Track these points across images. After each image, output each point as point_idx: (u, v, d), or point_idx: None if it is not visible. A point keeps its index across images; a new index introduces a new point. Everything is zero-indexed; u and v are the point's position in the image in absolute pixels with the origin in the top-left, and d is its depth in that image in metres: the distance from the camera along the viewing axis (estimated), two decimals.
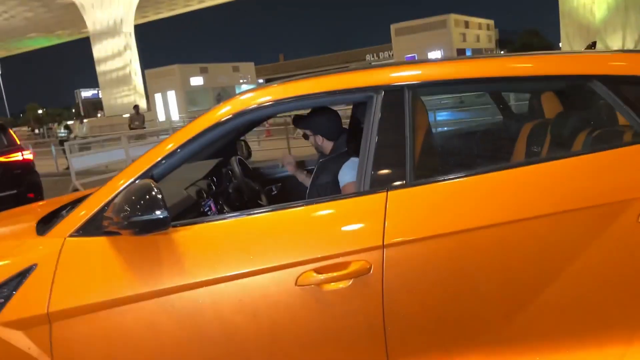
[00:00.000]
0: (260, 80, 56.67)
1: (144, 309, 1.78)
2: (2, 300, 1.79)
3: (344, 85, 2.02)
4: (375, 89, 1.98)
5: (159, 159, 1.94)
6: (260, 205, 3.14)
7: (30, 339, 1.78)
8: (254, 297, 1.77)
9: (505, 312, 1.80)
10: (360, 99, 2.07)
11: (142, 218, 1.70)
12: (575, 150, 2.12)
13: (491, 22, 46.69)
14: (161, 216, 1.71)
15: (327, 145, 2.95)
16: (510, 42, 59.69)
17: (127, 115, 34.49)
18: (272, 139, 14.87)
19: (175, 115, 37.47)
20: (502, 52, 55.62)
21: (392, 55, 42.31)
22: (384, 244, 1.76)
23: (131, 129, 16.78)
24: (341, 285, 1.76)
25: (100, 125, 31.77)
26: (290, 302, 1.77)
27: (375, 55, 51.37)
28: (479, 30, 43.07)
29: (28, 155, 7.25)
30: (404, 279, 1.77)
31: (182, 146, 1.95)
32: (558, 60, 2.05)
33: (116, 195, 1.89)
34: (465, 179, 1.86)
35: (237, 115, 1.97)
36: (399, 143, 1.90)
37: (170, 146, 1.96)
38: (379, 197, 1.83)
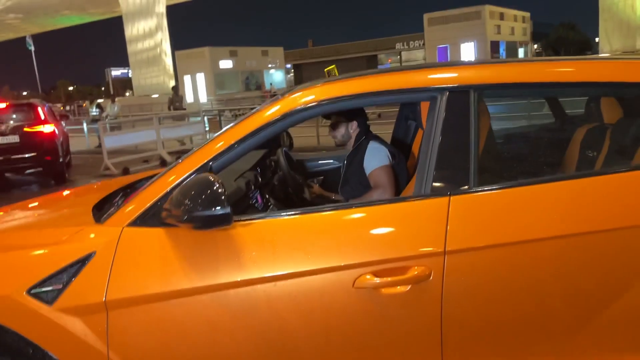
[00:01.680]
0: (288, 65, 56.56)
1: (200, 303, 1.78)
2: (61, 286, 1.81)
3: (408, 84, 1.97)
4: (440, 89, 1.93)
5: (219, 152, 1.93)
6: (303, 198, 3.13)
7: (87, 326, 1.80)
8: (309, 296, 1.76)
9: (567, 326, 1.75)
10: (423, 98, 2.03)
11: (204, 213, 1.69)
12: (638, 159, 2.05)
13: (527, 14, 45.63)
14: (223, 212, 1.69)
15: (354, 135, 3.00)
16: (545, 35, 58.39)
17: (156, 95, 34.89)
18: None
19: (203, 98, 37.72)
20: (535, 45, 54.45)
21: (424, 45, 41.75)
22: (446, 250, 1.73)
23: (171, 109, 16.82)
24: (399, 289, 1.74)
25: (130, 105, 32.13)
26: (347, 304, 1.75)
27: (405, 44, 50.71)
28: (514, 22, 42.13)
29: (49, 128, 9.81)
30: (464, 287, 1.74)
31: (241, 140, 1.93)
32: (636, 67, 1.97)
33: (175, 187, 1.88)
34: (530, 186, 1.81)
35: (289, 114, 1.94)
36: (463, 146, 1.86)
37: (229, 139, 1.95)
38: (441, 201, 1.79)
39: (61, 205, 2.57)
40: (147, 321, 1.79)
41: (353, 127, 3.03)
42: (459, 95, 1.91)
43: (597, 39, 31.91)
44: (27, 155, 9.58)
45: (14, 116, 9.89)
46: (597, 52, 30.44)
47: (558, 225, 1.73)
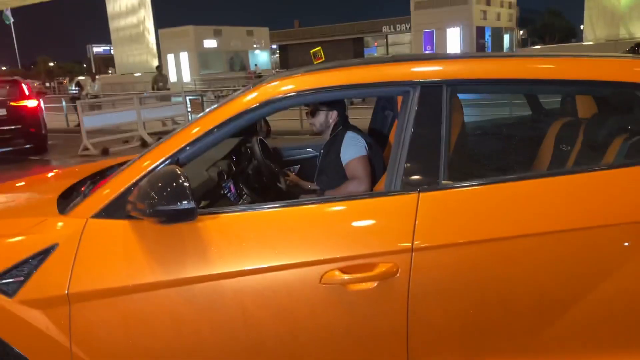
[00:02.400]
0: (274, 46, 55.95)
1: (165, 297, 1.76)
2: (22, 278, 1.77)
3: (383, 78, 1.94)
4: (413, 83, 1.91)
5: (186, 144, 1.89)
6: (278, 187, 3.10)
7: (49, 319, 1.77)
8: (276, 292, 1.74)
9: (531, 325, 1.76)
10: (397, 92, 2.01)
11: (168, 207, 1.66)
12: (610, 156, 2.05)
13: (513, 0, 45.60)
14: (188, 206, 1.67)
15: (333, 122, 2.98)
16: (532, 21, 58.48)
17: (139, 74, 34.36)
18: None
19: (186, 77, 37.21)
20: (521, 32, 54.49)
21: (410, 28, 41.55)
22: (413, 247, 1.72)
23: (155, 89, 16.61)
24: (366, 286, 1.73)
25: (111, 83, 31.59)
26: (313, 300, 1.74)
27: (392, 27, 50.39)
28: (501, 8, 42.02)
29: (33, 102, 11.03)
30: (431, 284, 1.74)
31: (208, 132, 1.90)
32: (611, 66, 1.96)
33: (141, 178, 1.85)
34: (500, 184, 1.81)
35: (265, 103, 1.91)
36: (434, 142, 1.84)
37: (197, 130, 1.91)
38: (410, 198, 1.78)
39: (26, 193, 2.51)
40: (111, 315, 1.77)
41: (333, 117, 3.00)
42: (431, 90, 1.89)
43: (582, 27, 32.06)
44: (13, 127, 10.64)
45: (1, 91, 10.84)
46: (581, 40, 30.61)
47: (526, 224, 1.73)
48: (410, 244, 1.72)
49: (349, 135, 2.88)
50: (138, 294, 1.76)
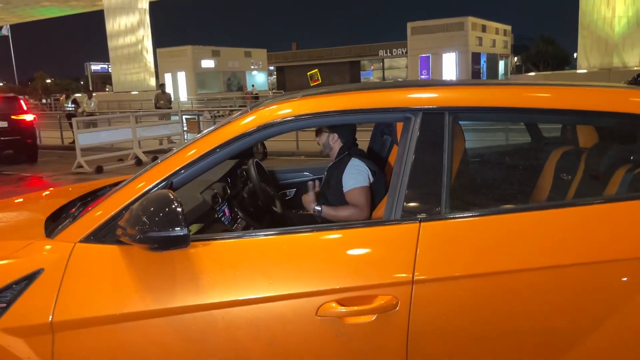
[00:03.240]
0: (271, 67, 56.34)
1: (154, 327, 1.68)
2: (5, 305, 1.69)
3: (383, 104, 1.90)
4: (414, 110, 1.87)
5: (181, 166, 1.83)
6: (273, 211, 3.04)
7: (32, 348, 1.68)
8: (270, 324, 1.67)
9: None
10: (397, 119, 1.96)
11: (160, 234, 1.60)
12: (612, 188, 2.01)
13: (508, 27, 46.18)
14: (181, 233, 1.60)
15: (336, 147, 2.91)
16: (525, 48, 59.23)
17: (135, 92, 34.42)
18: None
19: (183, 96, 37.34)
20: (515, 58, 55.17)
21: (406, 53, 42.00)
22: (414, 279, 1.65)
23: (157, 107, 16.62)
24: (364, 319, 1.66)
25: (108, 101, 31.61)
26: (309, 333, 1.67)
27: (388, 51, 50.90)
28: (496, 35, 42.63)
29: (30, 117, 12.86)
30: (432, 318, 1.67)
31: (205, 155, 1.84)
32: (612, 96, 1.93)
33: (133, 202, 1.78)
34: (503, 215, 1.76)
35: (263, 127, 1.87)
36: (436, 170, 1.79)
37: (192, 152, 1.86)
38: (411, 227, 1.72)
39: (13, 213, 2.43)
40: (96, 345, 1.69)
41: (333, 139, 2.93)
42: (433, 117, 1.85)
43: (575, 55, 32.46)
44: (13, 138, 12.37)
45: (2, 106, 12.49)
46: (575, 68, 30.98)
47: (530, 257, 1.68)
48: (410, 276, 1.65)
49: (353, 163, 2.79)
50: (126, 323, 1.68)
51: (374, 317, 1.66)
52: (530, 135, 2.87)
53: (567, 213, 1.77)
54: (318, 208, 2.76)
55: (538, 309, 1.68)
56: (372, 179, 2.75)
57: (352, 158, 2.82)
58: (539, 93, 1.93)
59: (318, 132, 3.00)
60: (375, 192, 2.75)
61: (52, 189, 3.06)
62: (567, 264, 1.67)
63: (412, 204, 1.78)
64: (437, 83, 2.04)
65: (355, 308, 1.65)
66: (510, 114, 1.94)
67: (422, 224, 1.73)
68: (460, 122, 2.04)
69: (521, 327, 1.69)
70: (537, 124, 2.94)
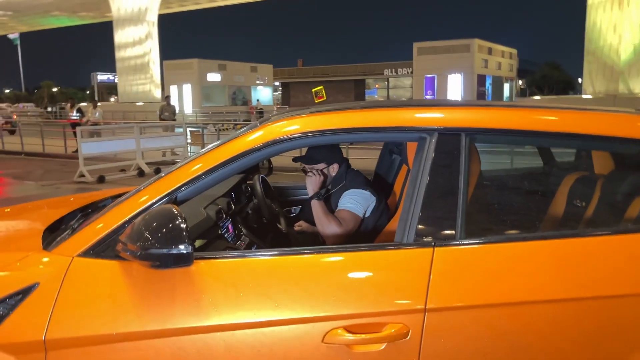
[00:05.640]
0: (276, 83, 56.58)
1: (151, 348, 1.60)
2: None
3: (397, 122, 1.84)
4: (430, 130, 1.80)
5: (185, 181, 1.77)
6: (278, 229, 2.97)
7: None
8: (273, 350, 1.59)
9: None
10: (411, 138, 1.90)
11: (162, 251, 1.52)
12: (629, 216, 1.93)
13: (514, 51, 46.38)
14: (184, 251, 1.53)
15: (333, 174, 2.75)
16: (530, 72, 59.44)
17: (140, 103, 34.52)
18: None
19: (188, 109, 37.43)
20: (520, 82, 55.34)
21: (412, 73, 42.16)
22: (426, 307, 1.57)
23: (161, 119, 16.66)
24: (373, 348, 1.58)
25: (113, 111, 31.69)
26: None
27: (394, 71, 51.10)
28: (502, 58, 42.80)
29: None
30: (445, 349, 1.58)
31: (210, 170, 1.78)
32: (632, 121, 1.86)
33: (135, 216, 1.71)
34: (522, 242, 1.68)
35: (270, 143, 1.80)
36: (451, 193, 1.72)
37: (198, 167, 1.79)
38: (424, 252, 1.65)
39: (11, 222, 2.36)
40: None
41: (334, 170, 2.75)
42: (449, 138, 1.78)
43: (580, 80, 32.50)
44: None
45: None
46: (579, 93, 31.01)
47: (549, 289, 1.60)
48: (423, 305, 1.57)
49: (354, 190, 2.66)
50: (122, 343, 1.60)
51: (383, 346, 1.57)
52: (542, 159, 2.80)
53: (590, 243, 1.69)
54: (317, 197, 2.61)
55: (556, 344, 1.60)
56: (369, 211, 2.64)
57: (352, 189, 2.66)
58: (560, 117, 1.87)
59: (305, 172, 2.77)
60: (373, 220, 2.64)
61: (54, 199, 2.98)
62: (588, 297, 1.59)
63: (425, 228, 1.70)
64: (453, 103, 1.98)
65: (364, 336, 1.57)
66: (529, 137, 1.87)
67: (435, 249, 1.65)
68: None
69: None
70: (550, 149, 2.88)
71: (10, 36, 37.29)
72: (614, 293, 1.60)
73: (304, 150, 2.82)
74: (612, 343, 1.59)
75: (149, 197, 1.77)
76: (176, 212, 1.58)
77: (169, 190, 1.76)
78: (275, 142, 1.81)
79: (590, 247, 1.68)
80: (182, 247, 1.53)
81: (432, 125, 1.81)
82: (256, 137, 1.82)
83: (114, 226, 1.72)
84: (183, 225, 1.55)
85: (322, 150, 2.72)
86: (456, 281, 1.61)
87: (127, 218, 1.73)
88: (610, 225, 2.00)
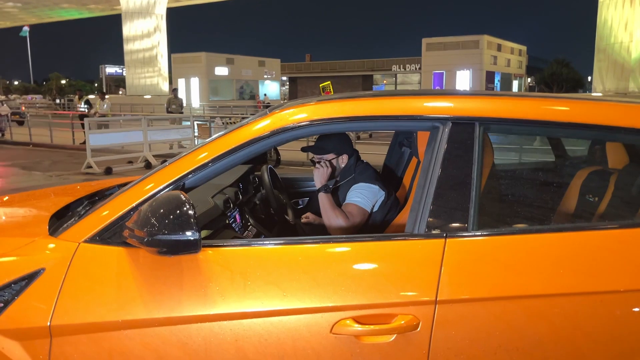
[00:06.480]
0: (284, 78, 56.53)
1: (157, 337, 1.58)
2: (2, 305, 1.60)
3: (408, 111, 1.80)
4: (443, 119, 1.76)
5: (192, 169, 1.74)
6: (285, 220, 2.94)
7: (27, 351, 1.59)
8: (281, 339, 1.56)
9: None
10: (423, 128, 1.86)
11: (169, 237, 1.50)
12: None
13: (523, 47, 46.12)
14: (192, 238, 1.50)
15: (342, 165, 2.72)
16: (539, 69, 59.04)
17: (148, 96, 34.58)
18: None
19: (196, 102, 37.47)
20: (529, 79, 55.00)
21: (420, 69, 42.00)
22: (437, 299, 1.54)
23: (168, 112, 16.71)
24: (382, 339, 1.55)
25: (121, 104, 31.77)
26: (322, 351, 1.56)
27: (402, 66, 50.92)
28: (511, 54, 42.55)
29: None
30: (455, 341, 1.55)
31: (217, 158, 1.75)
32: None
33: (142, 202, 1.69)
34: (536, 234, 1.64)
35: (278, 131, 1.77)
36: (464, 184, 1.68)
37: (205, 155, 1.76)
38: (436, 243, 1.62)
39: (18, 208, 2.35)
40: (95, 352, 1.58)
41: (343, 161, 2.72)
42: (463, 127, 1.74)
43: (589, 78, 32.26)
44: None
45: None
46: (588, 91, 30.75)
47: (563, 282, 1.56)
48: (434, 296, 1.54)
49: (362, 184, 2.63)
50: (127, 330, 1.58)
51: (392, 338, 1.54)
52: (554, 152, 2.76)
53: (604, 236, 1.65)
54: (324, 189, 2.57)
55: (569, 337, 1.56)
56: (378, 206, 2.61)
57: (361, 183, 2.63)
58: (576, 107, 1.82)
59: (314, 163, 2.74)
60: (385, 212, 2.61)
61: (61, 186, 2.97)
62: (604, 291, 1.55)
63: (437, 219, 1.67)
64: (466, 93, 1.94)
65: (373, 327, 1.54)
66: (544, 127, 1.82)
67: (447, 240, 1.62)
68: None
69: (550, 355, 1.57)
70: (562, 141, 2.83)
71: (25, 29, 37.46)
72: (629, 287, 1.56)
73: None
74: (628, 337, 1.56)
75: (155, 184, 1.74)
76: (184, 199, 1.55)
77: (176, 177, 1.74)
78: (283, 130, 1.77)
79: (604, 241, 1.64)
80: (189, 233, 1.50)
81: (446, 115, 1.77)
82: (264, 125, 1.79)
83: (121, 212, 1.70)
84: (191, 212, 1.52)
85: (331, 140, 2.68)
86: (468, 273, 1.58)
87: (134, 205, 1.70)
88: (626, 219, 1.96)
